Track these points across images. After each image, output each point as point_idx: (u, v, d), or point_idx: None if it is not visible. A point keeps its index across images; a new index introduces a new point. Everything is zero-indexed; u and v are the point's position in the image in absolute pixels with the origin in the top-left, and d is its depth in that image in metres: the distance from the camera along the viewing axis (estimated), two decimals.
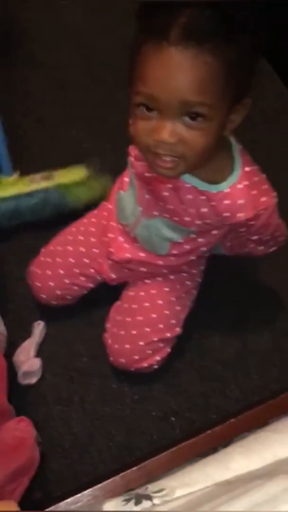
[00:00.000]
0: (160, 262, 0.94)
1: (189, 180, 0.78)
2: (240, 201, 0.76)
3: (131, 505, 0.49)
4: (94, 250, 1.00)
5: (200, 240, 0.88)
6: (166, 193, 0.81)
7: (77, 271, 1.01)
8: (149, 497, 0.50)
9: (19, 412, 0.92)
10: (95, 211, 1.05)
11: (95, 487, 0.68)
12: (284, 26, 1.34)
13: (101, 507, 0.52)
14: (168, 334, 0.97)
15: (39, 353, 1.06)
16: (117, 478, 0.68)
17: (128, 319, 0.97)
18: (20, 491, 0.79)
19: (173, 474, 0.59)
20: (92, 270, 1.01)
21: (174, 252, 0.91)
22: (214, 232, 0.86)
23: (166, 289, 0.96)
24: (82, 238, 1.01)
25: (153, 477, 0.67)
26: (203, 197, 0.79)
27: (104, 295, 1.07)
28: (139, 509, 0.48)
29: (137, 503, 0.49)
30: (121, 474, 0.69)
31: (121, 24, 1.47)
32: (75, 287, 1.03)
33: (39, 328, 1.07)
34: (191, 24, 0.60)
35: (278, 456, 0.52)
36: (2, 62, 1.40)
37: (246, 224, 0.79)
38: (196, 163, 0.70)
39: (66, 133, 1.31)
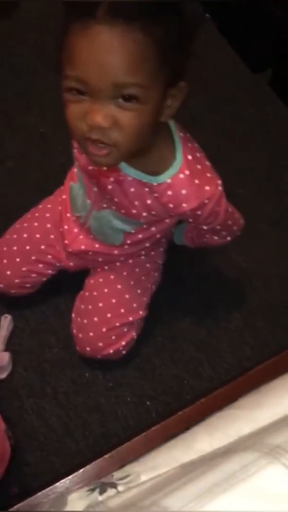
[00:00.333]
0: (116, 252, 0.93)
1: (130, 172, 0.76)
2: (183, 191, 0.74)
3: (95, 495, 0.48)
4: (50, 236, 0.99)
5: (152, 229, 0.87)
6: (110, 187, 0.79)
7: (34, 258, 0.99)
8: (113, 485, 0.49)
9: None
10: (51, 197, 1.03)
11: (66, 478, 0.67)
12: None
13: (65, 499, 0.51)
14: (131, 318, 0.96)
15: (8, 347, 1.04)
16: (88, 467, 0.67)
17: (90, 306, 0.96)
18: None
19: (139, 459, 0.58)
20: (49, 257, 1.00)
21: (128, 241, 0.90)
22: (167, 220, 0.86)
23: (125, 273, 0.95)
24: (37, 224, 0.99)
25: (125, 463, 0.66)
26: (147, 189, 0.77)
27: (71, 284, 1.05)
28: (104, 498, 0.47)
29: (102, 492, 0.48)
30: (92, 463, 0.68)
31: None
32: (34, 275, 1.01)
33: (6, 322, 1.05)
34: (118, 1, 0.58)
35: (242, 432, 0.52)
36: None
37: (192, 214, 0.78)
38: (130, 149, 0.66)
39: (23, 121, 1.28)
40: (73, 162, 0.89)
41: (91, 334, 0.96)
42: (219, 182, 0.78)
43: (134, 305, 0.96)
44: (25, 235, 0.99)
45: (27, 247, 0.99)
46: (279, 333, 1.10)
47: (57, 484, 0.68)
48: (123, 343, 0.97)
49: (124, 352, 0.99)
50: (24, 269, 0.99)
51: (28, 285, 1.02)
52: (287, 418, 0.47)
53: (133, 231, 0.87)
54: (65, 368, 1.04)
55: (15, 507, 0.64)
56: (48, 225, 0.99)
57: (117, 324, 0.95)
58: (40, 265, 1.00)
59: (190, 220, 0.82)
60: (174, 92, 0.68)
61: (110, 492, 0.48)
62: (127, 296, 0.95)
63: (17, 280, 1.00)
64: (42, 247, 0.99)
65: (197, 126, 1.32)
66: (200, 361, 1.07)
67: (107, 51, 0.59)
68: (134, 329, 0.98)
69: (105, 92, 0.61)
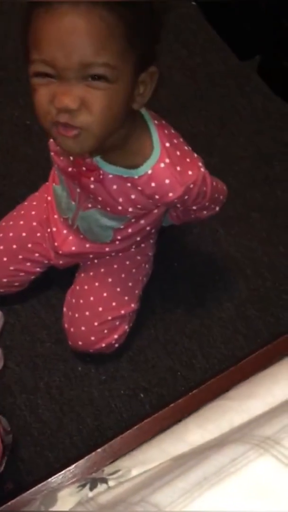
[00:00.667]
0: (107, 249, 0.92)
1: (110, 170, 0.74)
2: (167, 181, 0.73)
3: (86, 491, 0.48)
4: (37, 234, 0.97)
5: (142, 222, 0.86)
6: (92, 186, 0.78)
7: (21, 257, 0.98)
8: (104, 480, 0.49)
9: None
10: (36, 194, 1.01)
11: (59, 474, 0.66)
12: None
13: (55, 496, 0.51)
14: (123, 311, 0.95)
15: None
16: (81, 462, 0.66)
17: (81, 301, 0.95)
18: None
19: (130, 453, 0.57)
20: (37, 255, 0.99)
21: (119, 237, 0.89)
22: (155, 211, 0.85)
23: (115, 266, 0.94)
24: (23, 222, 0.98)
25: (118, 456, 0.65)
26: (129, 184, 0.75)
27: (61, 278, 1.04)
28: (94, 494, 0.47)
29: (92, 487, 0.48)
30: (85, 457, 0.67)
31: None
32: (22, 273, 1.00)
33: None
34: None
35: (233, 424, 0.51)
36: None
37: (179, 201, 0.77)
38: (100, 132, 0.64)
39: (8, 113, 1.26)
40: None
41: (83, 328, 0.95)
42: (200, 164, 0.77)
43: (126, 298, 0.95)
44: (11, 234, 0.98)
45: (14, 246, 0.97)
46: (271, 322, 1.10)
47: (50, 479, 0.67)
48: (116, 336, 0.96)
49: (116, 345, 0.98)
50: (11, 268, 0.98)
51: (16, 284, 1.01)
52: (278, 409, 0.47)
53: (122, 227, 0.86)
54: (57, 362, 1.03)
55: (7, 504, 0.63)
56: (34, 223, 0.97)
57: (109, 317, 0.94)
58: (28, 264, 0.99)
59: (179, 205, 0.81)
60: (145, 78, 0.66)
61: (101, 487, 0.48)
62: (118, 289, 0.94)
63: (5, 280, 0.99)
64: (29, 245, 0.97)
65: (185, 114, 1.32)
66: (193, 352, 1.06)
67: (72, 31, 0.57)
68: (126, 322, 0.97)
69: (73, 73, 0.59)
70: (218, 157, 1.25)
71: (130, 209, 0.80)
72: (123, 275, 0.95)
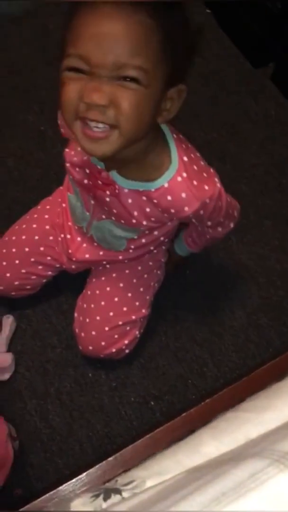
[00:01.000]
0: (120, 257, 0.92)
1: (126, 185, 0.74)
2: (183, 195, 0.72)
3: (99, 501, 0.47)
4: (49, 237, 0.98)
5: (155, 233, 0.86)
6: (107, 199, 0.78)
7: (33, 260, 0.98)
8: (118, 491, 0.48)
9: None
10: (49, 198, 1.02)
11: (69, 482, 0.66)
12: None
13: (68, 505, 0.50)
14: (134, 317, 0.95)
15: (10, 348, 1.04)
16: (92, 470, 0.66)
17: (92, 305, 0.95)
18: None
19: (144, 463, 0.57)
20: (49, 258, 0.99)
21: (132, 246, 0.89)
22: (169, 223, 0.85)
23: (127, 271, 0.94)
24: (35, 226, 0.98)
25: (130, 466, 0.65)
26: (144, 198, 0.75)
27: (73, 283, 1.04)
28: (108, 505, 0.46)
29: (106, 498, 0.47)
30: (96, 466, 0.67)
31: None
32: (33, 277, 1.00)
33: (8, 322, 1.04)
34: None
35: (250, 436, 0.50)
36: None
37: (195, 216, 0.77)
38: (130, 134, 0.63)
39: (23, 119, 1.27)
40: None
41: (93, 333, 0.95)
42: (217, 179, 0.77)
43: (137, 303, 0.95)
44: (23, 237, 0.98)
45: (26, 249, 0.97)
46: (284, 331, 1.09)
47: (61, 487, 0.67)
48: (126, 342, 0.96)
49: (127, 351, 0.98)
50: (23, 271, 0.98)
51: (28, 287, 1.01)
52: None
53: (135, 237, 0.86)
54: (68, 368, 1.03)
55: (19, 511, 0.63)
56: (47, 227, 0.97)
57: (120, 322, 0.94)
58: (40, 267, 0.99)
59: (193, 220, 0.80)
60: (173, 94, 0.66)
61: (115, 498, 0.47)
62: (129, 294, 0.94)
63: (16, 282, 0.99)
64: (41, 248, 0.98)
65: (198, 121, 1.32)
66: (205, 360, 1.06)
67: (112, 31, 0.58)
68: (137, 328, 0.97)
69: (105, 71, 0.59)
70: (230, 164, 1.25)
71: (145, 222, 0.80)
72: (134, 280, 0.94)
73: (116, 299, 0.94)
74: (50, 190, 1.05)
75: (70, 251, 0.94)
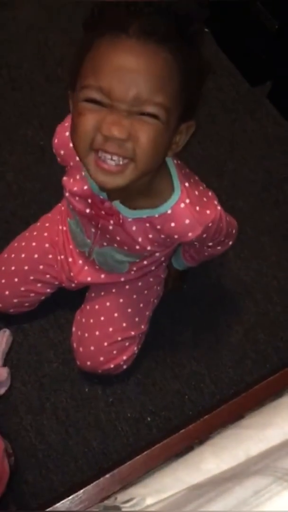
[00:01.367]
0: (122, 279, 0.92)
1: (130, 214, 0.75)
2: (187, 221, 0.73)
3: None
4: (48, 256, 0.97)
5: (157, 255, 0.87)
6: (111, 227, 0.78)
7: (32, 278, 0.98)
8: (117, 508, 0.47)
9: None
10: (49, 215, 1.02)
11: (66, 499, 0.65)
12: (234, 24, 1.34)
13: None
14: (133, 332, 0.95)
15: (6, 362, 1.03)
16: (89, 487, 0.65)
17: (91, 320, 0.95)
18: None
19: (143, 480, 0.56)
20: (48, 276, 0.99)
21: (134, 268, 0.90)
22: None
23: (127, 286, 0.94)
24: (35, 244, 0.98)
25: (127, 482, 0.64)
26: (148, 224, 0.76)
27: (71, 297, 1.04)
28: None
29: None
30: (93, 483, 0.66)
31: (75, 21, 1.45)
32: (32, 294, 1.00)
33: (5, 336, 1.03)
34: (152, 22, 0.59)
35: (250, 453, 0.50)
36: None
37: (198, 239, 0.77)
38: (144, 169, 0.63)
39: (23, 133, 1.27)
40: None
41: (92, 348, 0.94)
42: (216, 201, 0.78)
43: (137, 319, 0.95)
44: (23, 255, 0.98)
45: (25, 267, 0.97)
46: (281, 346, 1.09)
47: (58, 504, 0.66)
48: (124, 357, 0.95)
49: (125, 366, 0.97)
50: (22, 289, 0.98)
51: (26, 304, 1.01)
52: None
53: (137, 260, 0.87)
54: (64, 383, 1.03)
55: None
56: (46, 245, 0.97)
57: (119, 338, 0.94)
58: (39, 285, 0.99)
59: (196, 243, 0.81)
60: (183, 129, 0.67)
61: None
62: (129, 310, 0.94)
63: (15, 300, 0.99)
64: (41, 267, 0.97)
65: (196, 138, 1.33)
66: (202, 376, 1.05)
67: (136, 66, 0.58)
68: (136, 344, 0.97)
69: (126, 105, 0.59)
70: (228, 181, 1.26)
71: (149, 248, 0.80)
72: (134, 296, 0.94)
73: (115, 314, 0.94)
74: (49, 204, 1.05)
75: (72, 274, 0.94)
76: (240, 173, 1.27)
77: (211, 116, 1.33)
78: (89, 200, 0.78)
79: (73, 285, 0.97)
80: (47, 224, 0.99)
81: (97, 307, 0.95)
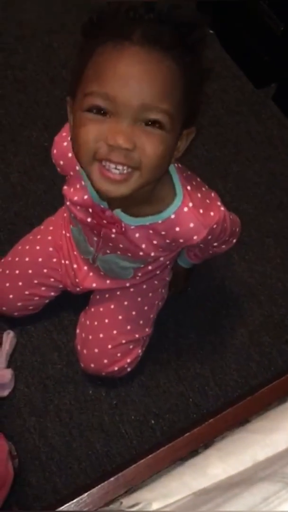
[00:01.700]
0: (127, 284, 0.92)
1: (132, 222, 0.75)
2: (191, 225, 0.73)
3: None
4: (53, 259, 0.97)
5: (161, 259, 0.87)
6: (113, 235, 0.78)
7: (37, 281, 0.98)
8: None
9: None
10: (52, 218, 1.01)
11: (70, 502, 0.65)
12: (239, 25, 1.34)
13: None
14: (137, 335, 0.95)
15: (10, 364, 1.03)
16: (93, 491, 0.65)
17: (96, 322, 0.95)
18: None
19: (149, 485, 0.56)
20: (52, 280, 0.98)
21: (139, 274, 0.89)
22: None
23: (132, 289, 0.94)
24: (39, 248, 0.98)
25: (132, 486, 0.64)
26: (151, 231, 0.76)
27: (74, 299, 1.03)
28: None
29: None
30: (98, 486, 0.66)
31: (80, 23, 1.45)
32: (36, 298, 0.99)
33: (9, 338, 1.03)
34: (155, 30, 0.59)
35: (257, 458, 0.50)
36: None
37: (203, 241, 0.77)
38: (149, 178, 0.62)
39: (27, 135, 1.27)
40: None
41: (96, 350, 0.94)
42: (219, 202, 0.78)
43: (141, 322, 0.95)
44: (27, 259, 0.97)
45: (30, 271, 0.97)
46: (285, 349, 1.08)
47: (62, 508, 0.66)
48: (128, 360, 0.95)
49: (129, 369, 0.97)
50: (26, 292, 0.98)
51: (30, 307, 1.01)
52: None
53: (142, 265, 0.87)
54: (68, 385, 1.02)
55: None
56: (50, 249, 0.97)
57: (123, 341, 0.93)
58: (43, 288, 0.99)
59: (201, 245, 0.81)
60: (183, 137, 0.67)
61: None
62: (134, 312, 0.94)
63: (19, 303, 0.99)
64: (45, 270, 0.97)
65: (201, 140, 1.33)
66: (206, 378, 1.05)
67: (143, 72, 0.58)
68: (140, 346, 0.96)
69: (131, 112, 0.58)
70: (232, 183, 1.26)
71: (153, 254, 0.80)
72: (139, 299, 0.94)
73: (120, 317, 0.93)
74: (53, 206, 1.05)
75: (77, 280, 0.94)
76: (245, 175, 1.27)
77: (215, 118, 1.33)
78: (90, 210, 0.77)
79: (78, 289, 0.97)
80: (51, 228, 0.99)
81: (101, 309, 0.95)
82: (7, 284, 0.97)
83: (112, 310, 0.94)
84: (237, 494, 0.35)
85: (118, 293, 0.94)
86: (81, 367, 0.99)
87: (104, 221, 0.76)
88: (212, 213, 0.74)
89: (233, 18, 1.38)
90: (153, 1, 0.60)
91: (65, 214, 0.96)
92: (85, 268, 0.93)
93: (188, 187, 0.73)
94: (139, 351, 0.97)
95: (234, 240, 0.88)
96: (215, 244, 0.83)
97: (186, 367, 1.05)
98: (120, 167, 0.60)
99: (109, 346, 0.93)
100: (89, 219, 0.79)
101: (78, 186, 0.78)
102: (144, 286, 0.94)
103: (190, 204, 0.72)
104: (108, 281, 0.92)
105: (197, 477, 0.50)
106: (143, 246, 0.78)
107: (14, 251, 1.00)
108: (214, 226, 0.75)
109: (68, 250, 0.95)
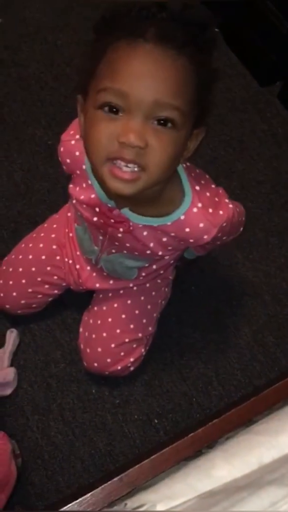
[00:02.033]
0: (130, 284, 0.92)
1: (140, 221, 0.74)
2: (201, 225, 0.73)
3: None
4: (56, 257, 0.97)
5: (166, 258, 0.86)
6: (120, 235, 0.77)
7: (40, 279, 0.97)
8: None
9: None
10: (56, 216, 1.01)
11: (74, 502, 0.64)
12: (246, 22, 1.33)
13: None
14: (140, 334, 0.94)
15: (13, 362, 1.02)
16: (97, 491, 0.64)
17: (99, 321, 0.94)
18: None
19: (154, 486, 0.55)
20: (55, 278, 0.98)
21: (143, 274, 0.89)
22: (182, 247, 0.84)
23: (135, 288, 0.93)
24: (42, 245, 0.97)
25: (135, 486, 0.64)
26: (159, 232, 0.75)
27: (78, 298, 1.03)
28: None
29: None
30: (101, 487, 0.65)
31: (84, 21, 1.45)
32: (39, 295, 0.99)
33: (12, 336, 1.03)
34: (169, 28, 0.59)
35: (263, 460, 0.49)
36: None
37: (212, 240, 0.76)
38: (158, 177, 0.62)
39: (31, 133, 1.27)
40: None
41: (99, 349, 0.94)
42: (227, 199, 0.77)
43: (144, 320, 0.94)
44: (30, 257, 0.97)
45: (33, 269, 0.97)
46: None
47: (65, 508, 0.65)
48: (132, 359, 0.95)
49: (132, 368, 0.97)
50: (30, 290, 0.98)
51: (34, 305, 1.01)
52: None
53: (147, 264, 0.86)
54: (71, 384, 1.02)
55: None
56: (54, 247, 0.97)
57: (126, 340, 0.93)
58: (46, 286, 0.98)
59: (210, 241, 0.80)
60: (193, 136, 0.67)
61: None
62: (137, 311, 0.93)
63: (23, 301, 0.99)
64: (48, 268, 0.97)
65: (205, 138, 1.32)
66: (209, 378, 1.04)
67: (157, 69, 0.58)
68: (143, 345, 0.96)
69: (144, 109, 0.58)
70: (237, 181, 1.25)
71: (160, 252, 0.79)
72: (142, 298, 0.94)
73: (123, 316, 0.93)
74: (57, 204, 1.05)
75: (80, 280, 0.94)
76: (249, 174, 1.26)
77: (220, 116, 1.32)
78: (97, 209, 0.77)
79: (81, 288, 0.96)
80: (54, 226, 0.99)
81: (104, 308, 0.95)
82: (11, 282, 0.97)
83: (115, 309, 0.94)
84: (244, 497, 0.35)
85: (121, 292, 0.94)
86: (84, 366, 0.99)
87: (112, 220, 0.75)
88: (221, 212, 0.74)
89: (238, 16, 1.37)
90: (164, 1, 0.60)
91: (69, 214, 0.95)
92: (88, 268, 0.92)
93: (197, 187, 0.73)
94: (142, 350, 0.96)
95: (241, 229, 0.88)
96: (224, 238, 0.83)
97: (190, 366, 1.05)
98: (131, 165, 0.60)
99: (113, 345, 0.93)
100: (95, 218, 0.78)
101: (84, 185, 0.77)
102: (148, 285, 0.93)
103: (200, 205, 0.72)
104: (111, 281, 0.91)
105: (202, 479, 0.50)
106: (151, 245, 0.77)
107: (17, 249, 1.00)
108: (224, 224, 0.75)
109: (71, 249, 0.94)
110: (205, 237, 0.74)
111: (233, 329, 1.09)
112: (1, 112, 1.29)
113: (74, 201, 0.81)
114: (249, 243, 1.17)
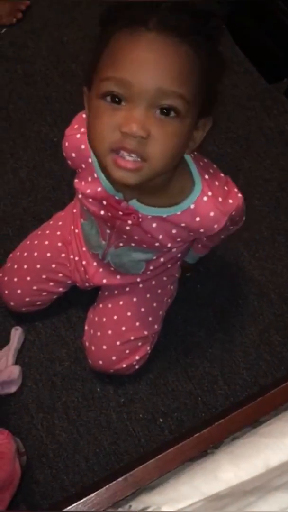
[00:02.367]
0: (138, 279, 0.91)
1: (148, 212, 0.73)
2: (211, 214, 0.72)
3: None
4: (61, 255, 0.96)
5: (173, 250, 0.85)
6: (128, 228, 0.77)
7: (45, 277, 0.97)
8: None
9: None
10: (61, 213, 1.00)
11: (78, 502, 0.64)
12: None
13: None
14: (146, 332, 0.94)
15: (18, 360, 1.02)
16: (101, 491, 0.64)
17: (104, 319, 0.94)
18: (2, 507, 0.75)
19: (158, 487, 0.55)
20: (60, 275, 0.97)
21: (151, 267, 0.88)
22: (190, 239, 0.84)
23: (141, 285, 0.93)
24: (47, 243, 0.97)
25: (140, 486, 0.63)
26: (168, 223, 0.75)
27: (83, 295, 1.03)
28: None
29: None
30: (106, 487, 0.65)
31: (90, 17, 1.44)
32: (44, 293, 0.99)
33: (17, 334, 1.03)
34: (172, 17, 0.58)
35: (270, 463, 0.49)
36: None
37: (223, 229, 0.76)
38: (161, 168, 0.62)
39: (36, 130, 1.26)
40: None
41: (104, 347, 0.93)
42: (236, 189, 0.77)
43: (150, 318, 0.94)
44: (35, 254, 0.97)
45: (38, 266, 0.96)
46: None
47: (69, 508, 0.65)
48: (137, 357, 0.94)
49: (137, 366, 0.96)
50: (35, 287, 0.97)
51: (39, 303, 1.00)
52: None
53: (154, 257, 0.85)
54: (76, 382, 1.02)
55: None
56: (59, 244, 0.96)
57: (132, 338, 0.92)
58: (51, 284, 0.98)
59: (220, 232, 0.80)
60: (200, 126, 0.66)
61: None
62: (142, 309, 0.93)
63: (27, 299, 0.98)
64: (53, 266, 0.96)
65: (212, 136, 1.31)
66: (215, 377, 1.04)
67: (160, 57, 0.57)
68: (149, 344, 0.96)
69: (147, 98, 0.57)
70: (243, 179, 1.24)
71: (169, 244, 0.79)
72: (148, 295, 0.93)
73: (129, 313, 0.92)
74: (62, 201, 1.05)
75: (87, 276, 0.93)
76: (256, 172, 1.25)
77: (226, 114, 1.31)
78: (104, 202, 0.76)
79: (87, 284, 0.96)
80: (60, 223, 0.98)
81: (110, 305, 0.94)
82: (15, 279, 0.97)
83: (120, 307, 0.93)
84: (251, 502, 0.34)
85: (127, 289, 0.93)
86: (89, 364, 0.98)
87: (120, 213, 0.74)
88: (231, 201, 0.74)
89: (245, 13, 1.36)
90: None
91: (74, 210, 0.95)
92: (95, 264, 0.92)
93: (206, 176, 0.72)
94: (148, 348, 0.96)
95: (244, 218, 0.87)
96: (231, 227, 0.82)
97: (195, 365, 1.04)
98: (133, 154, 0.60)
99: (118, 343, 0.92)
100: (102, 212, 0.78)
101: (90, 179, 0.77)
102: (153, 282, 0.93)
103: (210, 193, 0.71)
104: (118, 277, 0.91)
105: (208, 481, 0.49)
106: (160, 237, 0.77)
107: (22, 246, 0.99)
108: (233, 213, 0.74)
109: (77, 246, 0.94)
110: (215, 226, 0.73)
111: (239, 328, 1.08)
112: (7, 109, 1.29)
113: (80, 196, 0.80)
114: (255, 241, 1.16)
